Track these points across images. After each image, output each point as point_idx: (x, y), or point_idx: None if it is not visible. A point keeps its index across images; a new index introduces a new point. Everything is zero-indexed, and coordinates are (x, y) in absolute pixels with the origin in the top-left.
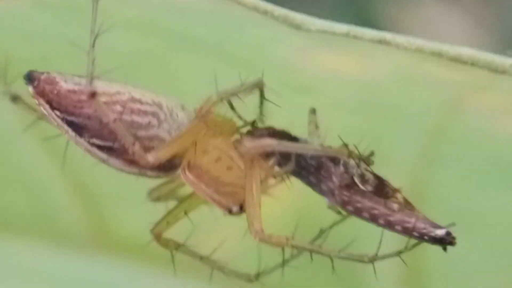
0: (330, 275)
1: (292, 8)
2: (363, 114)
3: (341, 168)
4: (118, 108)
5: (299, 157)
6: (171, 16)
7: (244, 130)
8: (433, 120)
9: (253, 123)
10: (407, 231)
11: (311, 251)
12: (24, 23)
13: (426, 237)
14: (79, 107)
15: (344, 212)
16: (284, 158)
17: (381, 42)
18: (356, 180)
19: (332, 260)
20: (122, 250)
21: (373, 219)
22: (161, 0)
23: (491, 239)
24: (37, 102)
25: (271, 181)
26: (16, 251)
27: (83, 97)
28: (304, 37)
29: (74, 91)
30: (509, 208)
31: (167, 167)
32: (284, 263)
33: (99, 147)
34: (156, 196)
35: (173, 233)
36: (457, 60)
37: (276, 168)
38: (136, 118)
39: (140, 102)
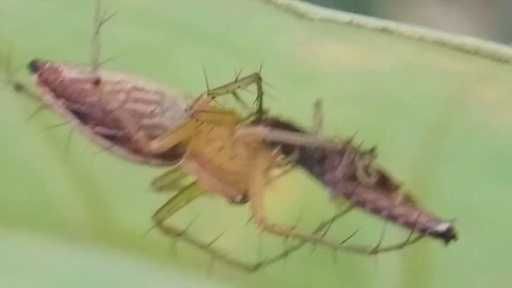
0: (331, 267)
1: None
2: (365, 107)
3: (345, 160)
4: (122, 96)
5: (303, 147)
6: (173, 6)
7: (249, 120)
8: (435, 114)
9: (257, 113)
10: (409, 225)
11: (313, 241)
12: (26, 12)
13: (428, 231)
14: (83, 95)
15: (346, 205)
16: (288, 147)
17: (385, 31)
18: (360, 172)
19: (334, 251)
20: (124, 241)
21: (376, 211)
22: None
23: (493, 234)
24: (41, 91)
25: (275, 171)
26: (17, 243)
27: (87, 86)
28: (307, 27)
29: (78, 80)
30: (511, 202)
31: (171, 155)
32: (285, 254)
33: (104, 136)
34: (159, 186)
35: (174, 222)
36: (460, 49)
37: (280, 158)
38: (140, 107)
39: (144, 90)
